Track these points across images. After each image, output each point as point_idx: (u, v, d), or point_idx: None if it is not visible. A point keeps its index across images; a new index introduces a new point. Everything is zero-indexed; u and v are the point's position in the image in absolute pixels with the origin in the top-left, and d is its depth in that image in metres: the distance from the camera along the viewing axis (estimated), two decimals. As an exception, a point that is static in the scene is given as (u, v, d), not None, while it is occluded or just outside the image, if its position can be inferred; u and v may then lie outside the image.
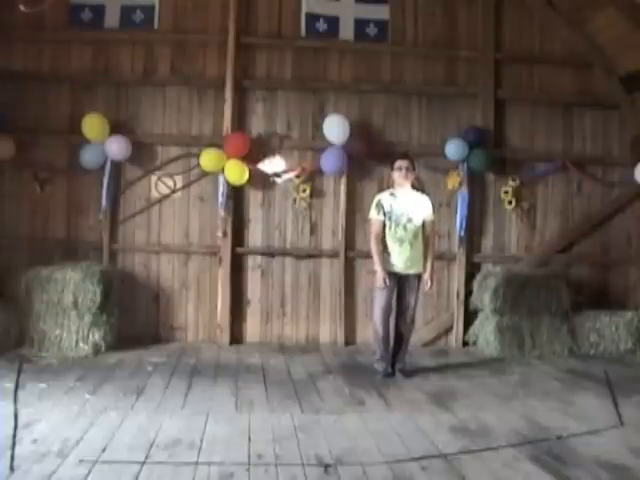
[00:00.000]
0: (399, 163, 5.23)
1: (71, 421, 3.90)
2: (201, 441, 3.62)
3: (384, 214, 5.17)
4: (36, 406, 4.15)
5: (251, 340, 6.62)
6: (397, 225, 5.14)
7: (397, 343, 5.30)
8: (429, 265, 5.23)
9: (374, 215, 5.22)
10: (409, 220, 5.15)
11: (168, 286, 6.60)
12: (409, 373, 5.28)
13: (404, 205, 5.18)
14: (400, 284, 5.19)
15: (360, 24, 6.71)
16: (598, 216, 6.90)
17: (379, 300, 5.15)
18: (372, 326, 5.31)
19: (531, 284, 6.25)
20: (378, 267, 5.10)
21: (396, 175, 5.24)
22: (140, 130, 6.59)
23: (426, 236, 5.29)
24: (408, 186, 5.27)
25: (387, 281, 5.06)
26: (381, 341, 5.20)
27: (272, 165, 6.66)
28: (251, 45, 6.67)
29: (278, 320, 6.67)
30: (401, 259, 5.13)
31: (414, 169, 5.33)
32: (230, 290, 6.54)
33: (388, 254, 5.14)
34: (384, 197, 5.26)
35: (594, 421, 4.14)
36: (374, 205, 5.25)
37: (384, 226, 5.17)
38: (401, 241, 5.13)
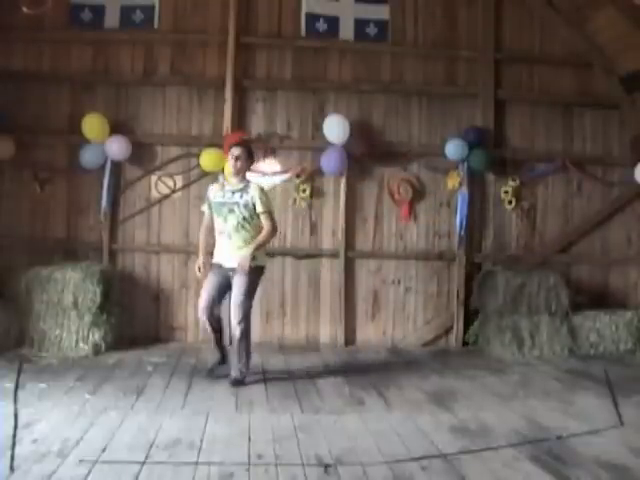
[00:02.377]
0: (231, 151, 4.99)
1: (71, 421, 3.90)
2: (201, 441, 3.62)
3: (209, 205, 5.05)
4: (36, 406, 4.15)
5: (251, 340, 6.60)
6: (218, 216, 4.94)
7: (231, 343, 5.03)
8: (248, 250, 4.79)
9: (204, 206, 5.16)
10: (230, 211, 4.88)
11: (168, 286, 6.60)
12: (237, 382, 4.88)
13: (228, 195, 4.94)
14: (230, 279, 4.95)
15: (360, 24, 6.71)
16: (598, 216, 6.91)
17: (201, 293, 4.99)
18: None
19: (531, 284, 6.26)
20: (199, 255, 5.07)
21: (228, 164, 5.08)
22: (140, 130, 6.59)
23: (261, 228, 4.94)
24: (239, 175, 4.97)
25: (201, 269, 4.99)
26: (210, 335, 5.09)
27: (269, 165, 6.67)
28: (251, 45, 6.67)
29: (278, 320, 6.67)
30: (221, 252, 4.95)
31: (249, 157, 5.02)
32: (230, 290, 6.54)
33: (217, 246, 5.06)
34: (213, 188, 5.09)
35: (594, 421, 4.14)
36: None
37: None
38: (221, 233, 4.95)
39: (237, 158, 4.92)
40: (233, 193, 4.94)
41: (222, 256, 4.96)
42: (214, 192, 5.03)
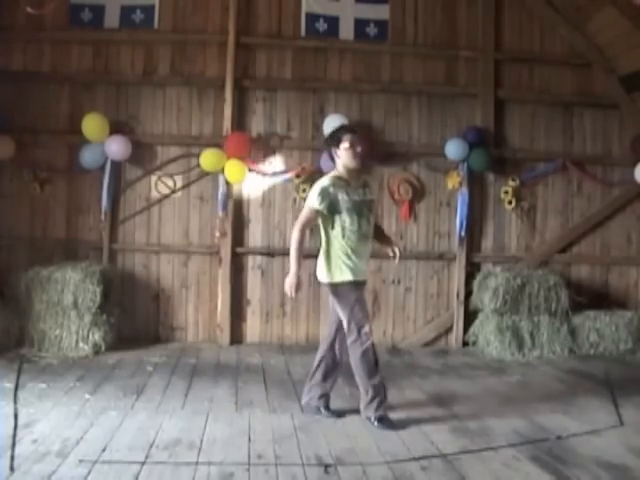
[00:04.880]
0: (345, 138, 4.07)
1: (71, 421, 3.90)
2: (201, 441, 3.62)
3: (331, 206, 4.03)
4: (36, 406, 4.15)
5: (251, 340, 6.62)
6: (360, 217, 4.09)
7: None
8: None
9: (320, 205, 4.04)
10: (369, 210, 4.17)
11: (168, 286, 6.60)
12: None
13: (360, 192, 4.14)
14: None
15: (360, 24, 6.71)
16: (598, 216, 6.91)
17: (364, 316, 4.07)
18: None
19: (531, 284, 6.25)
20: None
21: (344, 155, 4.08)
22: (140, 130, 6.59)
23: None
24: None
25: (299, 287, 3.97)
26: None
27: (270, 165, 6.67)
28: (251, 45, 6.67)
29: (278, 320, 6.67)
30: (360, 264, 4.11)
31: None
32: (230, 290, 6.54)
33: None
34: (332, 184, 4.04)
35: (594, 421, 4.14)
36: None
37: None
38: (364, 237, 4.11)
39: (357, 145, 4.05)
40: (364, 189, 4.14)
41: (362, 269, 4.06)
42: (341, 189, 3.99)
